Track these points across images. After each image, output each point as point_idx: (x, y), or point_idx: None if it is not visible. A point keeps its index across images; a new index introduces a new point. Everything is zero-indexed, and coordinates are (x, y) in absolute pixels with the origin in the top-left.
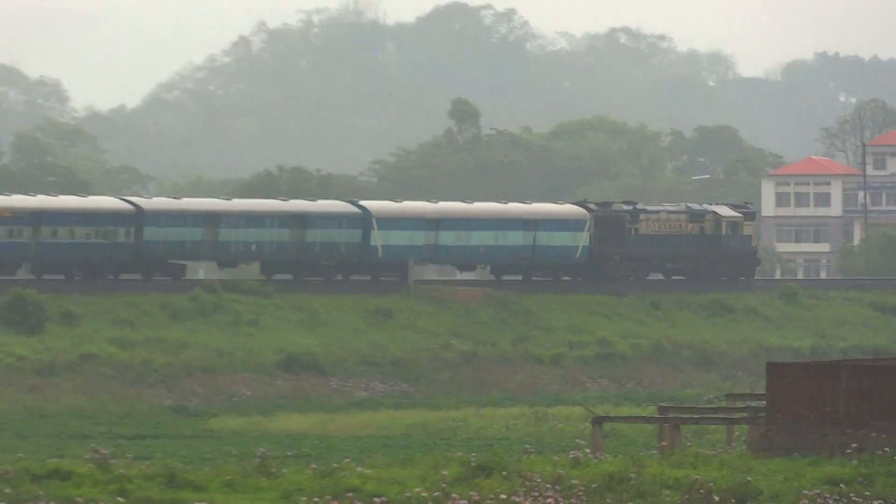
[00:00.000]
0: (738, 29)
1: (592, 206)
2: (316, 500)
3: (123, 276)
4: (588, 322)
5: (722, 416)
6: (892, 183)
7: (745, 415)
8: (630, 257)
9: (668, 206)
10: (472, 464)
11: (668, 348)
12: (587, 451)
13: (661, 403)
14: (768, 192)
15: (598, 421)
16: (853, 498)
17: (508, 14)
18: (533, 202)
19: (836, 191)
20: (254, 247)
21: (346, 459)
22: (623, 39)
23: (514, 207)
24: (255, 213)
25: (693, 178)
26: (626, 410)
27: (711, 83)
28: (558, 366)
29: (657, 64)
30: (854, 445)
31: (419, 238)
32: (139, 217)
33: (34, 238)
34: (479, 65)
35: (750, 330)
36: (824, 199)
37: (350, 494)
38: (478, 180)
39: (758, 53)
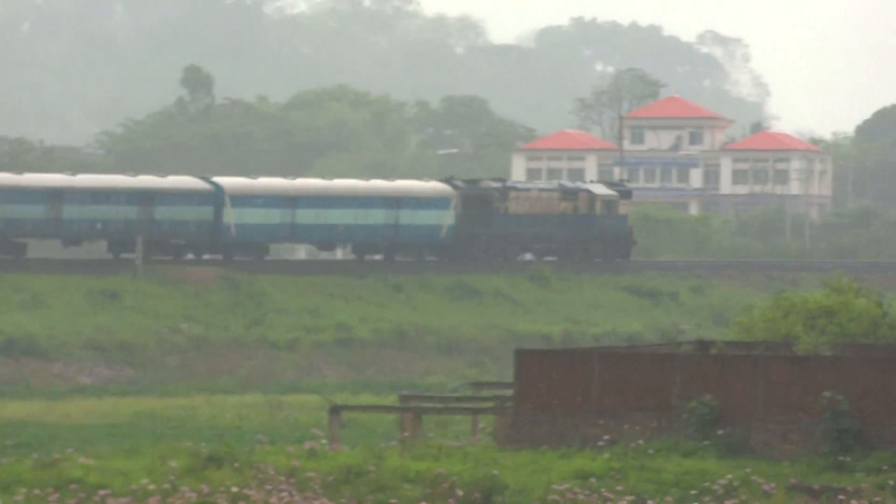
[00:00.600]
0: None
1: (459, 184)
2: (36, 492)
3: None
4: (326, 305)
5: (467, 405)
6: (650, 158)
7: (492, 404)
8: (498, 237)
9: (540, 184)
10: (202, 455)
11: (411, 333)
12: (324, 441)
13: (403, 392)
14: (519, 166)
15: (335, 410)
16: (604, 493)
17: None
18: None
19: (590, 166)
20: (99, 225)
21: (69, 449)
22: (367, 2)
23: (376, 185)
24: (99, 190)
25: (439, 151)
26: (366, 399)
27: (460, 50)
28: (294, 351)
29: (403, 29)
30: (606, 437)
31: (275, 216)
32: None
33: None
34: (214, 29)
35: (498, 315)
36: (578, 175)
37: (73, 486)
38: (211, 153)
39: (510, 19)
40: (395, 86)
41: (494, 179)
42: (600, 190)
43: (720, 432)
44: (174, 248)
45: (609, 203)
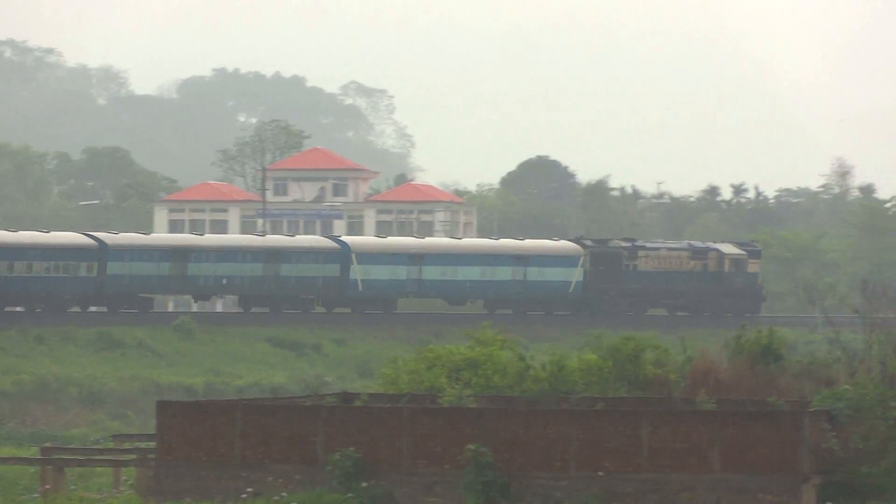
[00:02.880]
0: (133, 43)
1: (588, 243)
2: None
3: None
4: None
5: (109, 457)
6: (294, 210)
7: (134, 456)
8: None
9: (670, 244)
10: None
11: (53, 385)
12: None
13: (45, 444)
14: (161, 218)
15: None
16: None
17: None
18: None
19: (233, 217)
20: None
21: None
22: (8, 53)
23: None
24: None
25: (81, 203)
26: (7, 451)
27: (102, 101)
28: None
29: (44, 80)
30: (250, 490)
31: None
32: None
33: None
34: None
35: (141, 366)
36: (222, 226)
37: None
38: None
39: (153, 69)
40: (37, 136)
41: (624, 239)
42: (729, 249)
43: (364, 485)
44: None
45: (738, 262)
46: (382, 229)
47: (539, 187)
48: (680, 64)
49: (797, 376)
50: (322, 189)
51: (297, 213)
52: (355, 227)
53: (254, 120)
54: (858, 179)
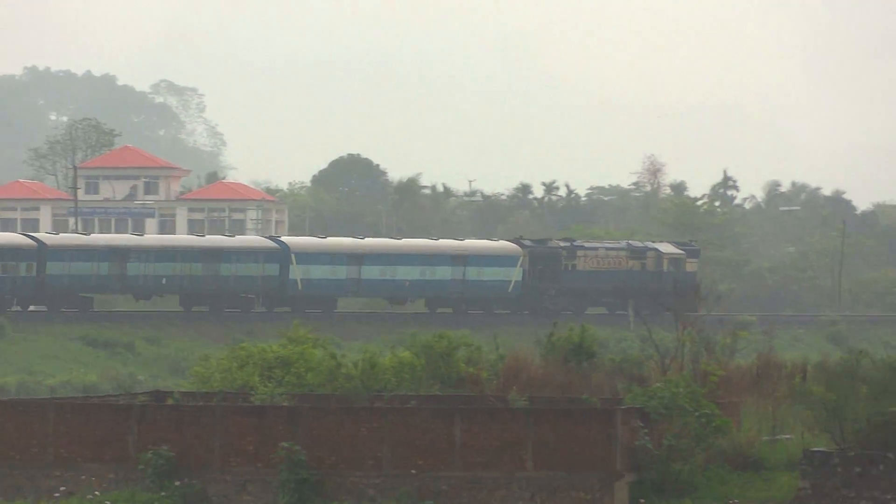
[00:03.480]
0: None
1: (527, 243)
2: None
3: None
4: None
5: None
6: (106, 208)
7: None
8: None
9: (608, 243)
10: None
11: None
12: None
13: None
14: None
15: None
16: None
17: None
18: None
19: (45, 216)
20: None
21: None
22: None
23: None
24: None
25: None
26: None
27: None
28: None
29: None
30: (63, 489)
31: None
32: None
33: None
34: None
35: None
36: (33, 225)
37: None
38: None
39: None
40: None
41: (563, 239)
42: (667, 249)
43: (177, 483)
44: None
45: (676, 261)
46: (194, 227)
47: (351, 185)
48: (490, 62)
49: (610, 374)
50: (133, 187)
51: (109, 211)
52: (167, 226)
53: (65, 118)
54: (670, 177)
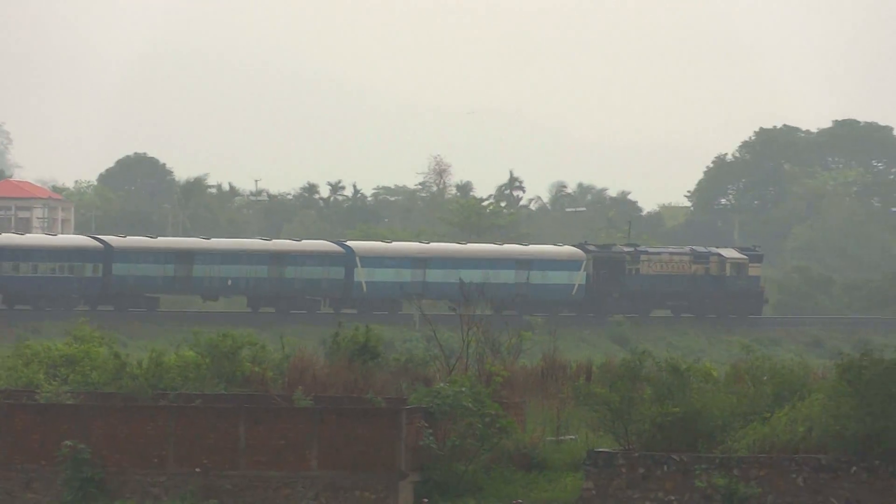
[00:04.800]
0: None
1: (591, 248)
2: None
3: None
4: None
5: None
6: None
7: None
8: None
9: (672, 248)
10: None
11: None
12: None
13: None
14: None
15: None
16: None
17: None
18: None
19: None
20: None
21: None
22: None
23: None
24: None
25: None
26: None
27: None
28: None
29: None
30: None
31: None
32: None
33: None
34: None
35: None
36: None
37: None
38: None
39: None
40: None
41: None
42: (730, 254)
43: None
44: None
45: (739, 266)
46: None
47: (137, 184)
48: (275, 61)
49: (395, 374)
50: None
51: None
52: None
53: None
54: (456, 177)
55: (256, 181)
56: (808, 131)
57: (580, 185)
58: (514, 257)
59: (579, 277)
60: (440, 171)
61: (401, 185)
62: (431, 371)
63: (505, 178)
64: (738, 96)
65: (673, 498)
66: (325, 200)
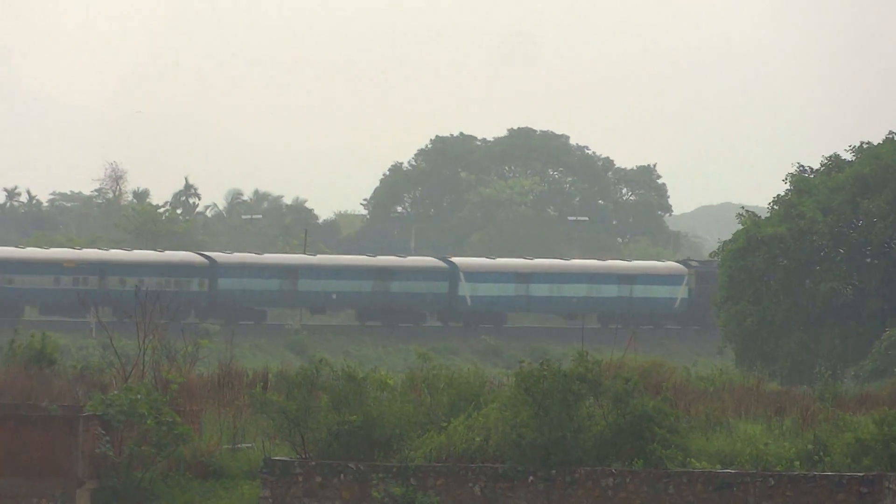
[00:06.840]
0: None
1: (693, 263)
2: None
3: None
4: None
5: None
6: None
7: None
8: None
9: None
10: None
11: None
12: None
13: None
14: None
15: None
16: None
17: None
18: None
19: None
20: None
21: None
22: None
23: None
24: None
25: None
26: None
27: None
28: None
29: None
30: None
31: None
32: None
33: None
34: None
35: None
36: None
37: None
38: None
39: None
40: None
41: None
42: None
43: None
44: None
45: None
46: None
47: None
48: None
49: (72, 381)
50: None
51: None
52: None
53: None
54: (133, 184)
55: None
56: (484, 140)
57: (256, 192)
58: (617, 272)
59: (682, 291)
60: (116, 178)
61: (77, 191)
62: (108, 378)
63: (181, 185)
64: (415, 105)
65: None
66: (1, 207)
